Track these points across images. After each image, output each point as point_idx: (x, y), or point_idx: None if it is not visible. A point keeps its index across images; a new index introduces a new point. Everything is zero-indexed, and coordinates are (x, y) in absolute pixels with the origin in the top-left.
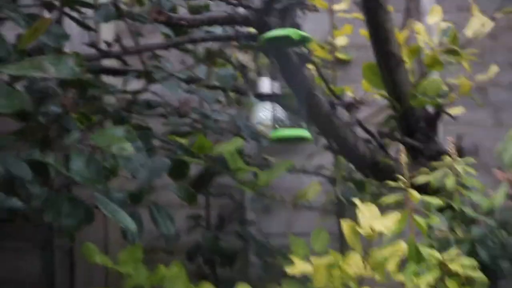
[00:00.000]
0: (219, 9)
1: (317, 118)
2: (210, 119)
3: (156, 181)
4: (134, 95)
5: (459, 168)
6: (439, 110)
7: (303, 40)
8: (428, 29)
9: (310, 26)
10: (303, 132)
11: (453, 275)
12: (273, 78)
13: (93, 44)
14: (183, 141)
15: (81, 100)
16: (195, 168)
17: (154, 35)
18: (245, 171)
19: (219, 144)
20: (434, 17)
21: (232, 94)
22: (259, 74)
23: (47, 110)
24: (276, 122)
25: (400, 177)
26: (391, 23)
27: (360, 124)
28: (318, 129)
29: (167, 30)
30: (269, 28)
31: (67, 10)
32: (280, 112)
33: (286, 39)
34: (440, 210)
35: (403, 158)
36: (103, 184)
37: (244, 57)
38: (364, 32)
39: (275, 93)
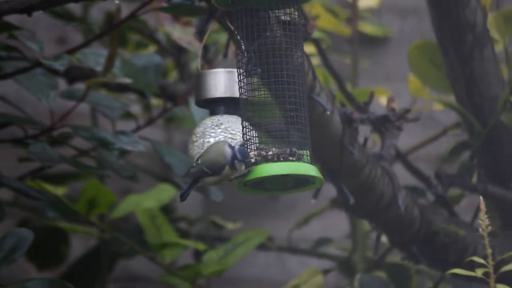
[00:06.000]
0: None
1: (318, 147)
2: (112, 148)
3: None
4: None
5: None
6: None
7: None
8: None
9: None
10: (305, 168)
11: None
12: (246, 70)
13: None
14: (58, 190)
15: None
16: (80, 244)
17: None
18: (178, 249)
19: (129, 197)
20: None
21: (156, 102)
22: (209, 62)
23: None
24: (243, 155)
25: (479, 259)
26: None
27: (402, 158)
28: (320, 167)
29: None
30: None
31: None
32: (250, 134)
33: None
34: None
35: (485, 223)
36: None
37: (180, 32)
38: None
39: (240, 98)
